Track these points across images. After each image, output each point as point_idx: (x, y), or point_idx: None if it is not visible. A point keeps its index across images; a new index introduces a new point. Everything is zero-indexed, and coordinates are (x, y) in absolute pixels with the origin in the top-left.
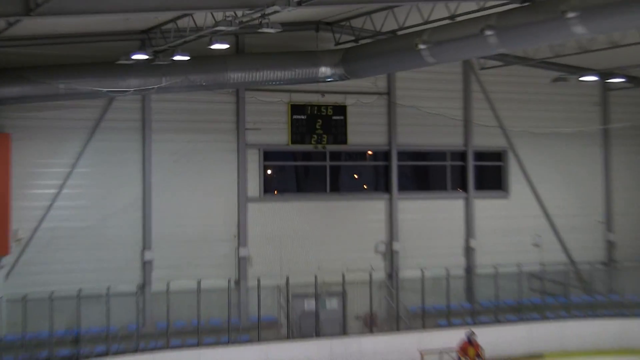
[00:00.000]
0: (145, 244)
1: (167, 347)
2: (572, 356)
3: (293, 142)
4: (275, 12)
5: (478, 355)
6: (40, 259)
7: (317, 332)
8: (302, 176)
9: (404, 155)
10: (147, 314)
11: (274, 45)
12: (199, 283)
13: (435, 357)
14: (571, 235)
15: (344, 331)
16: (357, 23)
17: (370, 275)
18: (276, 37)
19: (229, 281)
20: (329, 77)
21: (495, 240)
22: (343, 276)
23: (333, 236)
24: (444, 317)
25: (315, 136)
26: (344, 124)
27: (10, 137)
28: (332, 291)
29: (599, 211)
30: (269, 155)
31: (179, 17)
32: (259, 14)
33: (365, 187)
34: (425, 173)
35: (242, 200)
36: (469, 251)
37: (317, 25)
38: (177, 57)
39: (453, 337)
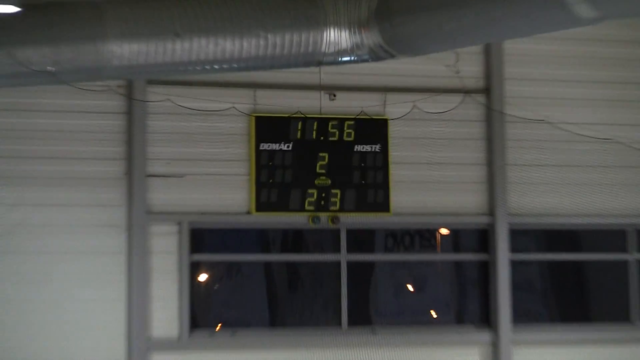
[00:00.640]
0: None
1: None
2: None
3: (260, 208)
4: None
5: None
6: None
7: None
8: (283, 289)
9: (524, 237)
10: None
11: None
12: None
13: None
14: None
15: None
16: None
17: None
18: None
19: None
20: (345, 53)
21: None
22: None
23: None
24: None
25: (314, 193)
26: (382, 161)
27: None
28: None
29: None
30: (202, 239)
31: None
32: None
33: (433, 314)
34: (582, 279)
35: (137, 350)
36: None
37: None
38: None
39: None
